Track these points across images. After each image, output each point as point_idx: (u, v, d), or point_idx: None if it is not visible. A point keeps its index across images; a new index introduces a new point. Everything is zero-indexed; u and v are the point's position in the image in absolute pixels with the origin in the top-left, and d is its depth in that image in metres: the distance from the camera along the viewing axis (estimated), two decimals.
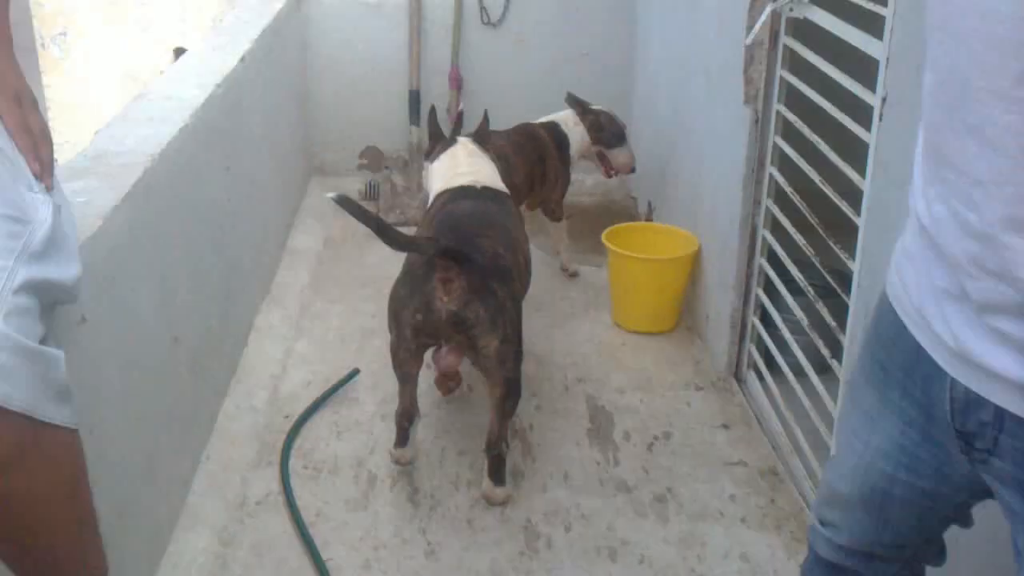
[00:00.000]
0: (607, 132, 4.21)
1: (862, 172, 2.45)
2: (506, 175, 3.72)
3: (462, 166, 3.26)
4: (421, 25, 4.99)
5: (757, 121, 3.20)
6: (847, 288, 2.63)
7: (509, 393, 2.79)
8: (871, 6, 2.38)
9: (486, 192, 3.16)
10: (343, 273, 4.23)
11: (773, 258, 3.27)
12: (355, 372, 3.45)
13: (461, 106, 4.86)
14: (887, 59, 2.25)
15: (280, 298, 3.86)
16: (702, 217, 3.79)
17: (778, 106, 3.12)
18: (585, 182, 5.23)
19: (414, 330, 2.70)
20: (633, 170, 4.32)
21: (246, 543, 2.69)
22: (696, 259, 3.83)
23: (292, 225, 4.53)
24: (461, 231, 2.81)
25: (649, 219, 4.62)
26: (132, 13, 6.11)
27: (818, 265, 2.92)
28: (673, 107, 4.25)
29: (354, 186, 4.98)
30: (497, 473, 2.87)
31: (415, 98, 4.97)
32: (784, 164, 3.16)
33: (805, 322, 3.09)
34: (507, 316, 2.68)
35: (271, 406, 3.29)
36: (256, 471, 2.98)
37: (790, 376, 3.13)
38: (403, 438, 2.93)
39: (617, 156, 4.25)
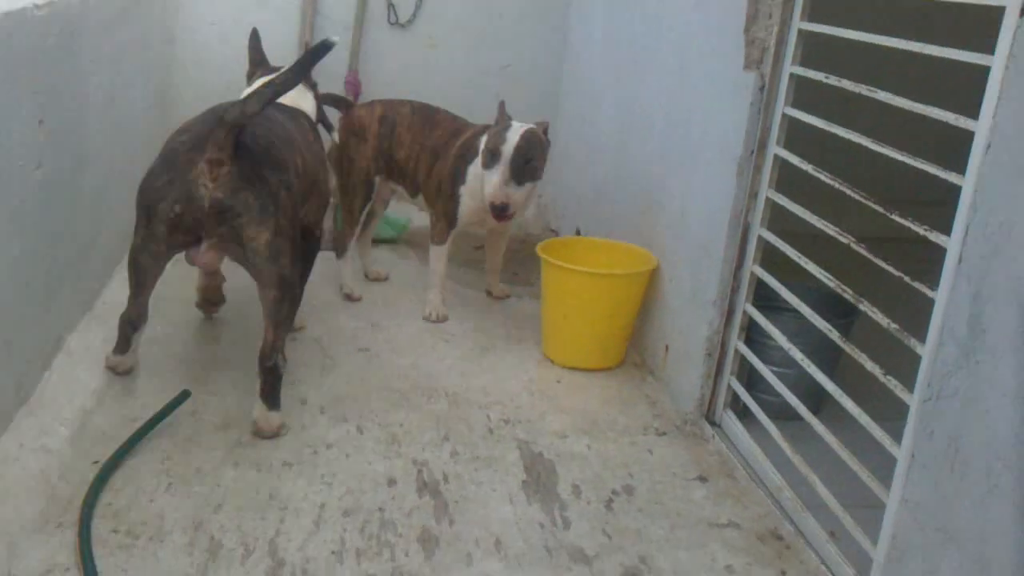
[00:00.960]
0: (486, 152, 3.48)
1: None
2: (387, 145, 3.43)
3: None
4: (315, 20, 4.21)
5: (763, 88, 2.47)
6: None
7: (283, 295, 2.43)
8: None
9: (285, 107, 2.81)
10: (193, 294, 3.27)
11: (768, 266, 2.53)
12: (186, 393, 2.51)
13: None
14: None
15: (106, 317, 2.88)
16: (661, 229, 3.03)
17: (793, 68, 2.41)
18: None
19: (170, 225, 2.36)
20: (500, 208, 3.05)
21: None
22: (652, 279, 3.04)
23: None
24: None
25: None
26: None
27: (825, 278, 2.20)
28: (623, 110, 3.53)
29: None
30: (272, 395, 2.48)
31: None
32: (797, 143, 2.44)
33: (802, 349, 2.35)
34: (281, 206, 2.39)
35: (73, 447, 2.30)
36: (35, 536, 1.98)
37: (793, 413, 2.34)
38: (124, 344, 2.66)
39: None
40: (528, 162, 3.04)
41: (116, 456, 2.23)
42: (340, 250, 3.49)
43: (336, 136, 3.48)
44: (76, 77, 2.72)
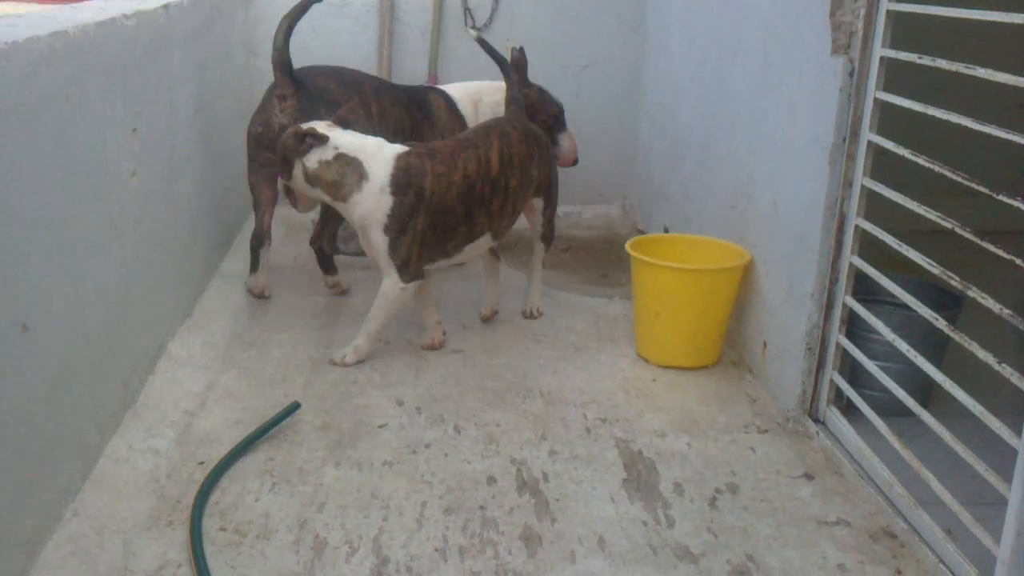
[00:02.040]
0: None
1: None
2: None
3: None
4: (393, 27, 4.24)
5: (852, 73, 2.41)
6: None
7: None
8: None
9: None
10: (290, 302, 3.32)
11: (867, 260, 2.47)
12: (295, 405, 2.52)
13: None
14: None
15: (203, 323, 2.94)
16: (753, 223, 2.97)
17: (883, 51, 2.35)
18: (583, 214, 4.44)
19: (255, 141, 3.11)
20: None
21: None
22: (746, 274, 2.99)
23: (227, 247, 3.63)
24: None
25: None
26: None
27: (929, 266, 2.11)
28: (707, 103, 3.48)
29: (309, 215, 4.12)
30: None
31: None
32: (890, 129, 2.37)
33: (906, 342, 2.28)
34: None
35: (179, 449, 2.34)
36: (148, 534, 2.02)
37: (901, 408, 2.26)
38: (255, 262, 3.23)
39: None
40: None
41: (225, 460, 2.26)
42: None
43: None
44: (165, 86, 2.78)
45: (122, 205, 2.36)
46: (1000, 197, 1.89)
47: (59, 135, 1.95)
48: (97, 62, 2.19)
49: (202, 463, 2.29)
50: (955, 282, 2.08)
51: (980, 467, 1.94)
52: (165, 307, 2.76)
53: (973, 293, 2.02)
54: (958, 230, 2.05)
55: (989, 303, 1.95)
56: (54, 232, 1.93)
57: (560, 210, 4.35)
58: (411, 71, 4.26)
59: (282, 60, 3.12)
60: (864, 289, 2.58)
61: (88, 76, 2.12)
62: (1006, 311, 1.89)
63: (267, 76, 4.25)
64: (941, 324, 2.17)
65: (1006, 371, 1.87)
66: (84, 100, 2.10)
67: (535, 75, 4.37)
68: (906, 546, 2.15)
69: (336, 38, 4.23)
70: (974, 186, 1.98)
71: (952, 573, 2.00)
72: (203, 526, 2.05)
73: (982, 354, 1.97)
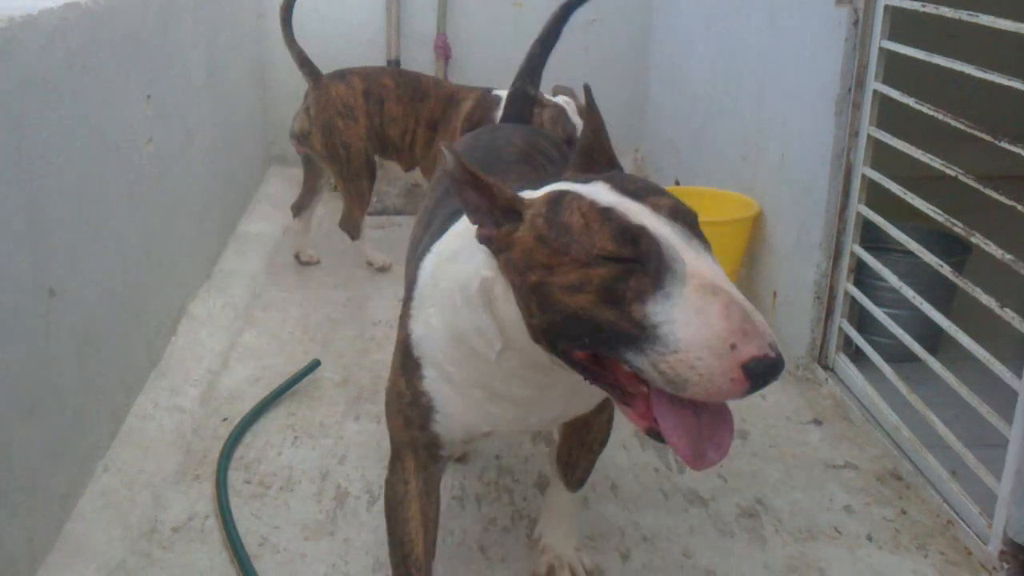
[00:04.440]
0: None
1: None
2: (378, 122, 3.30)
3: None
4: None
5: (857, 23, 2.42)
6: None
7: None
8: None
9: None
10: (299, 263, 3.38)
11: (875, 209, 2.49)
12: (315, 363, 2.59)
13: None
14: None
15: (224, 284, 3.01)
16: (762, 173, 3.00)
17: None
18: None
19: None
20: None
21: None
22: (756, 225, 3.02)
23: (245, 210, 3.69)
24: None
25: None
26: None
27: (934, 213, 2.13)
28: (715, 56, 3.49)
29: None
30: None
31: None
32: (896, 78, 2.39)
33: (914, 289, 2.31)
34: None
35: (204, 406, 2.42)
36: (176, 488, 2.10)
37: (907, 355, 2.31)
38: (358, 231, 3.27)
39: None
40: None
41: (249, 417, 2.33)
42: (354, 232, 3.36)
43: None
44: (177, 53, 2.81)
45: (139, 171, 2.41)
46: (1002, 143, 1.91)
47: (75, 105, 2.00)
48: (110, 31, 2.23)
49: (226, 419, 2.37)
50: (959, 228, 2.11)
51: (983, 409, 1.99)
52: (185, 270, 2.82)
53: (976, 239, 2.05)
54: (961, 177, 2.08)
55: (992, 248, 1.98)
56: (75, 200, 1.99)
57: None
58: (420, 29, 4.27)
59: (301, 58, 3.28)
60: (873, 238, 2.60)
61: (102, 45, 2.16)
62: (1008, 256, 1.92)
63: (276, 39, 4.29)
64: (945, 270, 2.21)
65: (1007, 315, 1.91)
66: (99, 69, 2.14)
67: (536, 23, 4.36)
68: (911, 487, 2.20)
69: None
70: (976, 133, 2.00)
71: (955, 512, 2.06)
72: (229, 479, 2.13)
73: (985, 299, 2.00)
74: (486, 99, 3.18)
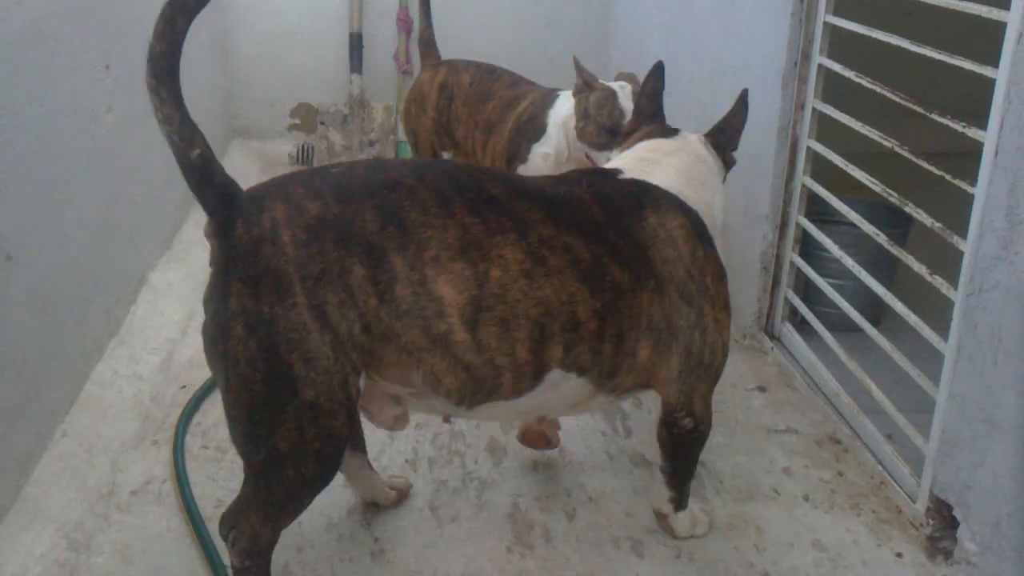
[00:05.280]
0: (593, 123, 2.59)
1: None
2: (445, 119, 3.04)
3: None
4: None
5: None
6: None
7: (246, 477, 1.62)
8: None
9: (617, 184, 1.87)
10: None
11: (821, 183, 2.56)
12: None
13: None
14: None
15: (183, 255, 3.04)
16: None
17: None
18: None
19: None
20: None
21: (109, 545, 1.86)
22: None
23: None
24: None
25: None
26: None
27: (871, 183, 2.20)
28: (672, 31, 3.54)
29: (284, 149, 4.19)
30: None
31: (356, 43, 4.21)
32: (840, 52, 2.45)
33: (857, 261, 2.39)
34: (231, 345, 1.50)
35: (162, 374, 2.46)
36: (134, 452, 2.15)
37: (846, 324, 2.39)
38: None
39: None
40: None
41: (206, 384, 2.38)
42: None
43: None
44: (137, 22, 2.82)
45: (98, 140, 2.44)
46: (933, 116, 1.99)
47: (32, 74, 2.03)
48: (69, 5, 2.25)
49: (184, 387, 2.41)
50: (894, 198, 2.19)
51: (914, 374, 2.07)
52: (145, 239, 2.85)
53: (910, 209, 2.12)
54: (897, 149, 2.15)
55: (923, 217, 2.06)
56: (33, 167, 2.02)
57: None
58: (382, 4, 4.28)
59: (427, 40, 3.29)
60: (820, 210, 2.68)
61: (60, 14, 2.18)
62: (937, 224, 2.00)
63: (237, 10, 4.28)
64: (881, 239, 2.29)
65: (936, 281, 1.99)
66: (56, 38, 2.17)
67: (507, 2, 4.40)
68: (849, 450, 2.29)
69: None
70: (911, 106, 2.08)
71: (888, 473, 2.15)
72: (186, 444, 2.18)
73: (916, 266, 2.08)
74: (542, 98, 2.82)
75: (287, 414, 1.50)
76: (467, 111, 2.97)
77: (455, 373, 1.59)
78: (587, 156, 2.62)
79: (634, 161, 1.93)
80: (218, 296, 1.49)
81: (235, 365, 1.48)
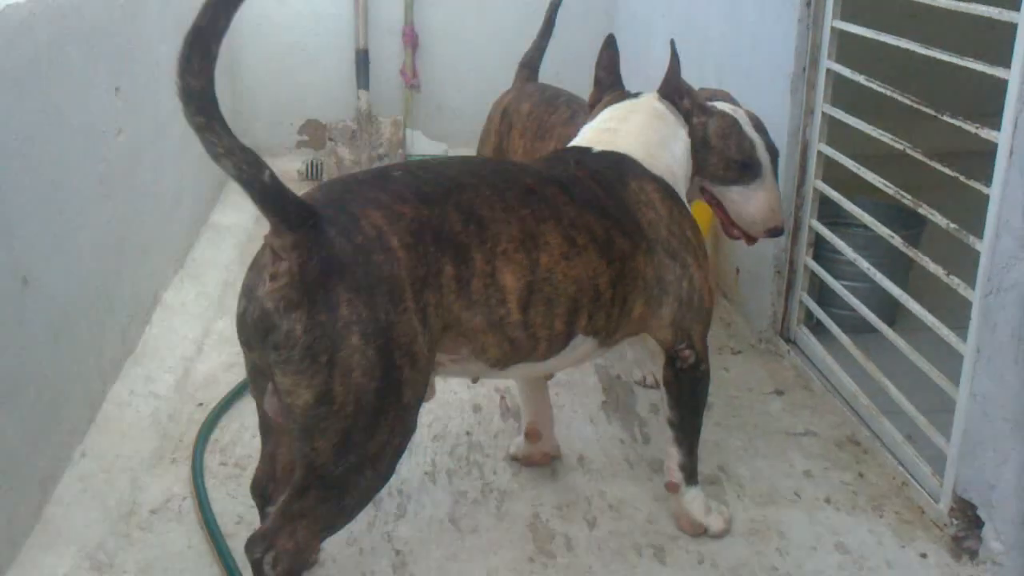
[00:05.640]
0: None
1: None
2: (504, 147, 2.73)
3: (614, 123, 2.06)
4: None
5: (809, 3, 2.49)
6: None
7: (309, 487, 1.53)
8: None
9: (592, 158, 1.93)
10: None
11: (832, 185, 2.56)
12: None
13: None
14: None
15: (197, 274, 3.05)
16: None
17: None
18: None
19: (239, 327, 1.58)
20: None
21: (132, 565, 1.86)
22: None
23: (217, 201, 3.73)
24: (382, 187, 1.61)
25: None
26: None
27: (884, 186, 2.20)
28: (677, 37, 3.53)
29: (292, 165, 4.20)
30: None
31: (363, 59, 4.23)
32: (848, 56, 2.45)
33: (871, 263, 2.38)
34: (344, 355, 1.46)
35: (179, 393, 2.47)
36: (153, 471, 2.15)
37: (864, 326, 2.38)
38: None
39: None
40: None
41: (223, 401, 2.38)
42: None
43: None
44: (145, 45, 2.84)
45: (109, 163, 2.45)
46: (945, 117, 1.98)
47: (43, 99, 2.04)
48: (77, 24, 2.26)
49: (201, 404, 2.41)
50: (908, 200, 2.18)
51: (934, 374, 2.06)
52: (158, 259, 2.86)
53: (924, 210, 2.12)
54: (909, 151, 2.15)
55: (937, 218, 2.06)
56: (46, 191, 2.03)
57: None
58: (388, 17, 4.30)
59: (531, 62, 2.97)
60: (832, 213, 2.68)
61: (68, 39, 2.20)
62: (952, 225, 1.99)
63: (243, 29, 4.31)
64: (896, 240, 2.28)
65: (953, 282, 1.99)
66: (66, 63, 2.18)
67: (512, 12, 4.40)
68: (869, 452, 2.28)
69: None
70: (922, 108, 2.07)
71: (909, 474, 2.14)
72: (205, 462, 2.18)
73: (932, 267, 2.08)
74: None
75: (387, 418, 1.51)
76: (523, 144, 2.69)
77: (501, 346, 1.67)
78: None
79: (597, 133, 2.03)
80: (314, 305, 1.45)
81: (346, 375, 1.46)
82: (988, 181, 1.80)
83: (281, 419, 1.56)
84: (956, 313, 2.02)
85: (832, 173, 2.58)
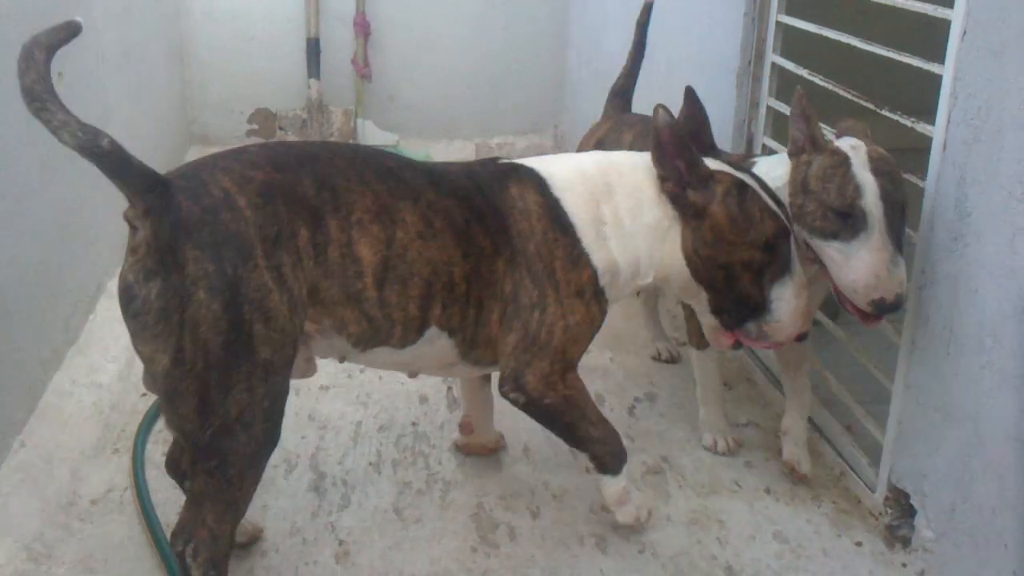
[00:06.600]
0: (816, 199, 1.84)
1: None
2: None
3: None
4: None
5: None
6: None
7: (194, 462, 1.57)
8: None
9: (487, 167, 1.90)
10: None
11: None
12: None
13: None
14: None
15: None
16: None
17: None
18: (516, 144, 4.53)
19: (122, 314, 1.59)
20: (884, 306, 1.78)
21: (71, 556, 1.84)
22: None
23: None
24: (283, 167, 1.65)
25: None
26: None
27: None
28: (629, 32, 3.55)
29: None
30: None
31: (314, 47, 4.20)
32: (794, 50, 2.49)
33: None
34: (192, 311, 1.48)
35: (122, 383, 2.44)
36: (94, 462, 2.13)
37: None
38: None
39: (842, 258, 1.81)
40: (904, 211, 1.81)
41: None
42: None
43: None
44: (90, 31, 2.79)
45: (51, 147, 2.40)
46: (884, 112, 2.02)
47: None
48: (15, 8, 2.22)
49: (145, 395, 2.39)
50: None
51: (870, 365, 2.11)
52: (103, 248, 2.82)
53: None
54: None
55: None
56: None
57: (492, 141, 4.46)
58: (340, 5, 4.27)
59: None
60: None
61: (6, 22, 2.16)
62: None
63: (193, 16, 4.26)
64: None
65: None
66: (6, 44, 2.14)
67: (465, 5, 4.40)
68: (809, 443, 2.32)
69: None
70: (862, 102, 2.11)
71: (847, 464, 2.18)
72: (149, 452, 2.16)
73: None
74: None
75: (240, 374, 1.52)
76: None
77: (360, 322, 1.70)
78: (806, 245, 1.89)
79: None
80: (166, 269, 1.48)
81: (194, 331, 1.48)
82: (925, 175, 1.84)
83: (156, 392, 1.60)
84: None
85: None
